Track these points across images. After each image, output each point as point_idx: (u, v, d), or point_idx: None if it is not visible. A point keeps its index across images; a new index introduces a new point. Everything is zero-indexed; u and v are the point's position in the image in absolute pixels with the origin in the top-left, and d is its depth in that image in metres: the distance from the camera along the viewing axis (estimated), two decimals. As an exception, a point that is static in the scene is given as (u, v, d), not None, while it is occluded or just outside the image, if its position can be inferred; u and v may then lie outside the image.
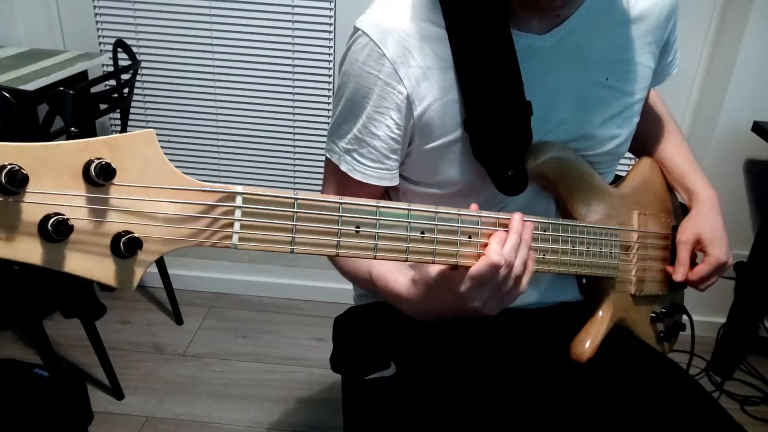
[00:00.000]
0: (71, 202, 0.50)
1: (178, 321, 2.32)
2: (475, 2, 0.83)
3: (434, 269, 0.77)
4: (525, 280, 0.77)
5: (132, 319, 2.31)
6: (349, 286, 1.15)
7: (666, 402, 0.93)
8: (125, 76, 1.88)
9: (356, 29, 0.86)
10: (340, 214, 0.67)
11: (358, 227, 0.68)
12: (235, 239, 0.60)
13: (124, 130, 2.00)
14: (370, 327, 1.08)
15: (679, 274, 1.03)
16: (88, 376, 1.99)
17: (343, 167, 0.91)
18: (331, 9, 2.09)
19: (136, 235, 0.53)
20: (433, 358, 0.99)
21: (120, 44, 1.97)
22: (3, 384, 1.71)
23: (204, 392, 2.00)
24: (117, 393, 1.94)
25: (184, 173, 0.57)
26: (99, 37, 2.18)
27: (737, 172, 2.18)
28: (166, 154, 0.55)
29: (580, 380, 0.97)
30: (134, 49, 2.00)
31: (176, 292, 2.31)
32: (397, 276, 0.85)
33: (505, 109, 0.85)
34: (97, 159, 0.50)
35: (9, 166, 0.45)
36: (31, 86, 1.74)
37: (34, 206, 0.48)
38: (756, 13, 1.94)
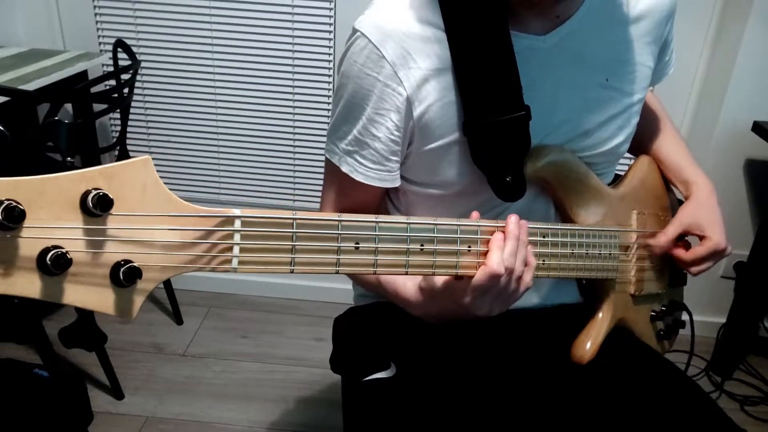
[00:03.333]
0: (69, 234, 0.50)
1: (178, 321, 2.32)
2: (474, 3, 0.83)
3: (439, 279, 0.78)
4: (528, 276, 0.78)
5: (132, 318, 2.31)
6: (349, 286, 1.14)
7: (665, 404, 0.93)
8: (125, 76, 1.87)
9: (355, 30, 0.85)
10: (339, 231, 0.67)
11: (357, 243, 0.68)
12: (234, 263, 0.60)
13: (124, 130, 2.00)
14: (370, 327, 1.08)
15: (660, 242, 1.00)
16: (88, 376, 1.99)
17: (344, 168, 0.90)
18: (331, 9, 2.08)
19: (135, 264, 0.53)
20: (433, 358, 0.99)
21: (120, 44, 1.96)
22: (3, 384, 1.71)
23: (204, 392, 2.00)
24: (117, 393, 1.94)
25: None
26: (99, 37, 2.18)
27: (737, 172, 2.18)
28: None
29: (580, 382, 0.97)
30: (134, 49, 1.99)
31: (176, 292, 2.31)
32: (405, 281, 0.86)
33: (504, 112, 0.84)
34: (95, 190, 0.50)
35: (6, 202, 0.45)
36: (31, 86, 1.74)
37: (31, 241, 0.48)
38: (756, 13, 1.94)
